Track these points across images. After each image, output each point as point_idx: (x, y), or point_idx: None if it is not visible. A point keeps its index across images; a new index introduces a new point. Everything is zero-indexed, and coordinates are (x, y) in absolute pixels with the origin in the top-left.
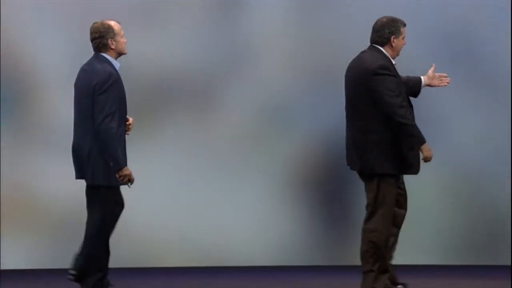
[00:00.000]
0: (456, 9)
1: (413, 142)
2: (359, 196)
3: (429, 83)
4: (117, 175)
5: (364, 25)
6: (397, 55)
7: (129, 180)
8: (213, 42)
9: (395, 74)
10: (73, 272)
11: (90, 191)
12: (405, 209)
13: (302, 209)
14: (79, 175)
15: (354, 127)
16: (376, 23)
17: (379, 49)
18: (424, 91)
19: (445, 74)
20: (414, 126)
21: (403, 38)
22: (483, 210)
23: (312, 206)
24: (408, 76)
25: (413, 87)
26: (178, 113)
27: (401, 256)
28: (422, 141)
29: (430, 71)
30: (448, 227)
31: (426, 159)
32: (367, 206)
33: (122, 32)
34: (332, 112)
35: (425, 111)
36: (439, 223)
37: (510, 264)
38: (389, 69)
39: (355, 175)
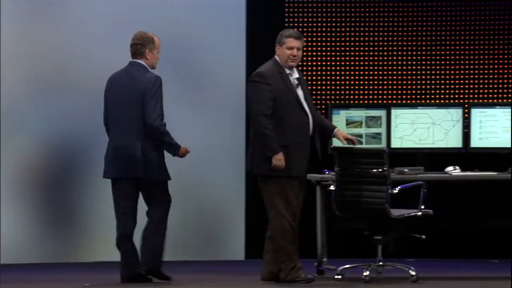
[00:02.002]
0: (192, 23)
1: (266, 151)
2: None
3: (336, 137)
4: (179, 156)
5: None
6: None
7: (187, 152)
8: None
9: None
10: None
11: (144, 186)
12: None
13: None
14: (125, 174)
15: None
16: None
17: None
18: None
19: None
20: (270, 136)
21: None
22: (220, 209)
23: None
24: (326, 120)
25: (325, 130)
26: None
27: None
28: (273, 151)
29: (343, 135)
30: (187, 225)
31: (274, 167)
32: None
33: (160, 49)
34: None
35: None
36: (176, 222)
37: (243, 259)
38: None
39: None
